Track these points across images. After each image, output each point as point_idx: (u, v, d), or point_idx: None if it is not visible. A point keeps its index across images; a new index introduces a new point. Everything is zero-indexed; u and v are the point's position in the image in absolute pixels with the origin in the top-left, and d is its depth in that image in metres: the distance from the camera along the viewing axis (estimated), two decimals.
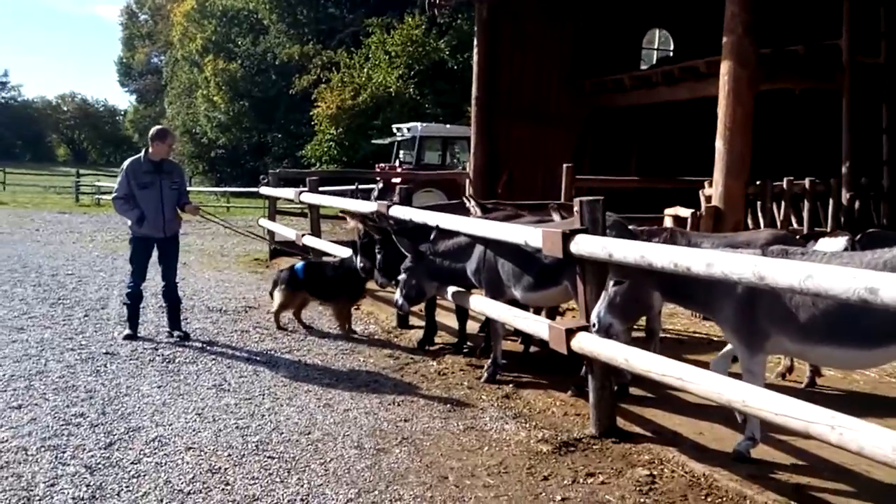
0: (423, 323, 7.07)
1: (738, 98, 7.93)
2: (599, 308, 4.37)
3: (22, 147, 76.54)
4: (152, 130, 6.99)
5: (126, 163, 6.94)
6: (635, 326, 5.68)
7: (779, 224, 8.47)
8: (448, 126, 19.21)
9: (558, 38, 14.28)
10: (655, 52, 16.56)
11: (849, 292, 2.76)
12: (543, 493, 3.87)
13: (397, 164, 19.46)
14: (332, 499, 3.69)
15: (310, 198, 10.08)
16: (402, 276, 6.20)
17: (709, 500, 3.84)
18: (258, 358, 6.29)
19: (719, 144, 8.15)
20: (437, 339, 6.93)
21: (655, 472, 4.16)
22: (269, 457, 4.19)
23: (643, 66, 15.14)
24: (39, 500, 3.54)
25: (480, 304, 5.78)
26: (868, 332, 3.64)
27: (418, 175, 16.38)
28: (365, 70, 30.19)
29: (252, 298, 8.89)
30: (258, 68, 36.75)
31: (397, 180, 16.62)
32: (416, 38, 28.84)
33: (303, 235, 10.10)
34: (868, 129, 9.85)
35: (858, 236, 7.43)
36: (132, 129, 62.76)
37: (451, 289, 6.20)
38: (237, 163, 38.91)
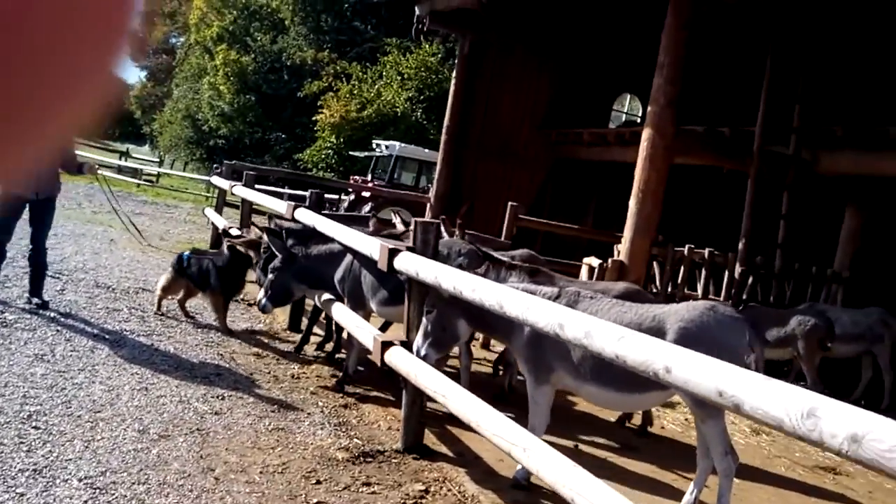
0: (319, 330, 7.25)
1: (654, 164, 8.32)
2: (417, 339, 4.58)
3: None
4: None
5: None
6: None
7: (668, 287, 9.12)
8: (427, 150, 19.59)
9: (534, 84, 14.99)
10: (624, 115, 17.36)
11: (577, 339, 3.01)
12: (302, 496, 3.92)
13: (370, 178, 19.71)
14: (73, 474, 3.70)
15: (242, 191, 10.26)
16: (269, 276, 6.31)
17: None
18: (107, 336, 6.31)
19: (632, 204, 8.58)
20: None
21: (432, 489, 4.26)
22: (34, 426, 4.20)
23: (611, 126, 15.84)
24: None
25: (336, 311, 5.90)
26: (626, 378, 3.85)
27: (389, 192, 16.60)
28: (376, 86, 30.81)
29: (153, 283, 8.94)
30: (271, 66, 37.48)
31: (367, 195, 16.99)
32: (430, 65, 29.54)
33: (229, 228, 10.25)
34: (769, 212, 10.83)
35: (741, 307, 7.90)
36: (136, 105, 63.62)
37: (325, 295, 6.32)
38: (237, 155, 39.38)
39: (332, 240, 6.19)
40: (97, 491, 3.59)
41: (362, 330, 5.26)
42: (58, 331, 6.22)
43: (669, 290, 9.51)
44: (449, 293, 4.12)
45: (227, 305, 7.46)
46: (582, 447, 5.35)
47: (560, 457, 3.33)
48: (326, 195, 17.70)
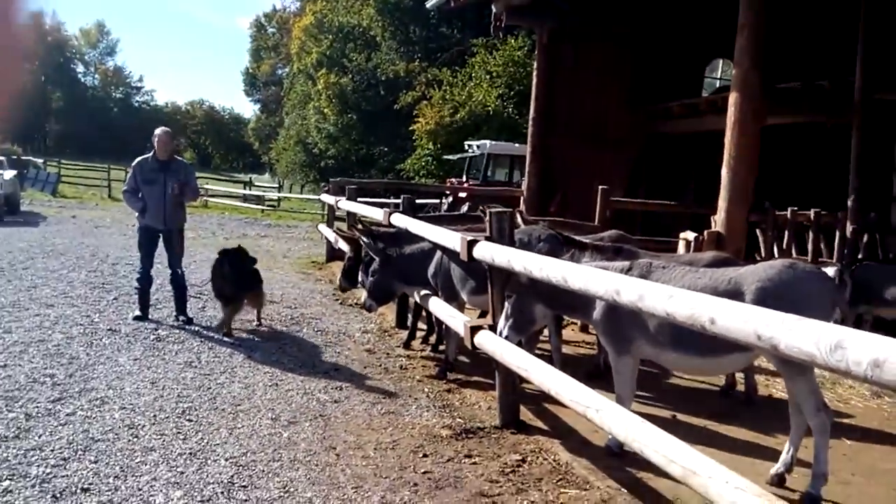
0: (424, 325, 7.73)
1: (743, 129, 8.12)
2: (500, 321, 4.95)
3: (150, 150, 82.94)
4: (156, 131, 7.97)
5: (135, 161, 7.95)
6: None
7: (776, 253, 8.63)
8: (517, 145, 19.71)
9: (618, 63, 14.48)
10: (718, 81, 16.51)
11: (656, 309, 3.12)
12: (411, 467, 4.39)
13: (465, 179, 20.21)
14: (220, 455, 4.35)
15: (345, 205, 10.96)
16: (369, 278, 6.81)
17: (559, 483, 4.26)
18: (243, 344, 7.09)
19: (724, 172, 8.38)
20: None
21: (528, 459, 4.62)
22: (188, 419, 4.91)
23: (705, 94, 15.18)
24: None
25: (432, 304, 6.35)
26: (703, 343, 3.96)
27: (483, 190, 17.02)
28: (466, 88, 31.23)
29: (279, 295, 9.77)
30: (368, 83, 38.69)
31: (463, 195, 17.48)
32: (517, 59, 29.57)
33: (337, 239, 10.99)
34: (879, 165, 10.06)
35: (853, 266, 7.55)
36: (253, 136, 67.12)
37: (422, 291, 6.78)
38: (345, 173, 40.98)
39: (422, 239, 6.64)
40: (240, 467, 4.19)
41: (454, 319, 5.69)
42: (202, 341, 7.05)
43: (777, 256, 9.18)
44: (522, 274, 4.46)
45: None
46: (680, 416, 5.51)
47: (629, 414, 3.63)
48: (428, 200, 18.42)
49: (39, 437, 4.43)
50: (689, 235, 8.58)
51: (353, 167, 39.82)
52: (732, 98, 8.19)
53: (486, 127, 29.19)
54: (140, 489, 3.83)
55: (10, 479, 3.83)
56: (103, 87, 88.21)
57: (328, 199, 13.63)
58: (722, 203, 8.30)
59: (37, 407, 4.94)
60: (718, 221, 8.34)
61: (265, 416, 5.11)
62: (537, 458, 4.66)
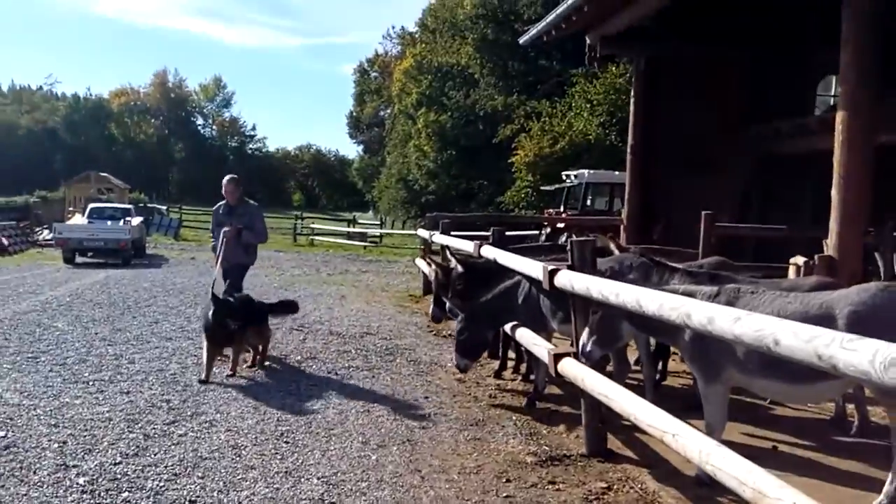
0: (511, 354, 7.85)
1: (852, 147, 7.85)
2: (583, 336, 5.02)
3: (263, 193, 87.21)
4: (224, 180, 8.51)
5: (215, 206, 8.59)
6: None
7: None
8: (616, 173, 19.51)
9: (722, 85, 14.04)
10: (832, 98, 15.73)
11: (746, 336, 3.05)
12: (493, 491, 4.53)
13: (563, 209, 20.22)
14: (313, 474, 4.64)
15: (439, 238, 11.30)
16: (458, 336, 6.81)
17: None
18: (339, 372, 7.47)
19: (834, 193, 8.09)
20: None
21: (614, 487, 4.66)
22: (285, 441, 5.26)
23: (817, 113, 14.55)
24: (99, 452, 4.90)
25: (519, 334, 6.49)
26: (793, 370, 3.92)
27: (582, 220, 17.02)
28: (566, 119, 31.33)
29: (375, 327, 10.17)
30: (466, 119, 39.50)
31: (561, 225, 17.53)
32: (619, 87, 29.43)
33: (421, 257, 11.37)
34: None
35: None
36: (358, 177, 69.43)
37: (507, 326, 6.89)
38: (445, 208, 41.80)
39: (507, 276, 6.78)
40: (331, 486, 4.47)
41: (538, 347, 5.82)
42: (301, 370, 7.47)
43: None
44: (598, 300, 4.55)
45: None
46: (783, 447, 5.40)
47: (704, 437, 3.66)
48: (526, 231, 18.55)
49: (155, 454, 4.87)
50: (799, 260, 8.30)
51: (453, 202, 40.49)
52: (840, 116, 7.94)
53: (586, 156, 29.11)
54: (241, 503, 4.16)
55: (128, 491, 4.25)
56: (220, 136, 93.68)
57: (424, 233, 14.04)
58: (833, 225, 7.98)
59: (154, 428, 5.42)
60: (830, 245, 8.07)
61: (356, 439, 5.39)
62: (623, 486, 4.69)
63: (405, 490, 4.48)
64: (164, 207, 41.30)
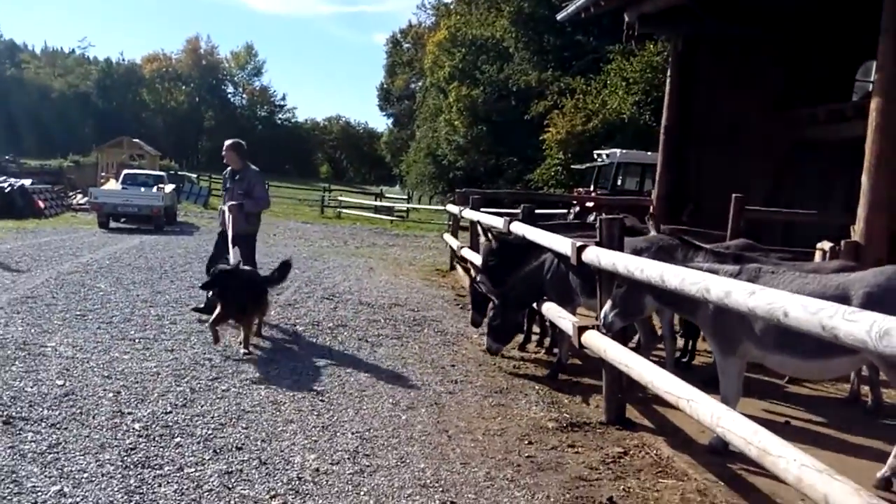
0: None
1: (885, 134, 7.98)
2: (605, 307, 5.33)
3: (291, 164, 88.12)
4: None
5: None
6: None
7: None
8: (649, 153, 19.61)
9: (759, 68, 14.02)
10: (871, 84, 15.62)
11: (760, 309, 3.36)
12: (516, 451, 4.89)
13: (593, 188, 20.38)
14: (347, 430, 5.04)
15: (469, 214, 11.60)
16: (489, 319, 7.15)
17: (657, 474, 4.64)
18: (369, 339, 7.87)
19: (864, 180, 8.25)
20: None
21: (630, 452, 5.01)
22: (320, 399, 5.67)
23: (855, 98, 14.51)
24: (150, 402, 5.34)
25: (545, 307, 6.82)
26: (809, 345, 4.21)
27: (612, 200, 17.20)
28: (600, 96, 31.28)
29: (403, 299, 10.56)
30: (499, 94, 39.53)
31: (591, 205, 17.73)
32: (656, 65, 29.28)
33: (461, 248, 11.69)
34: None
35: None
36: (386, 150, 69.84)
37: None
38: (473, 184, 41.98)
39: (536, 253, 7.08)
40: (364, 441, 4.87)
41: (563, 320, 6.14)
42: (333, 337, 7.88)
43: None
44: (624, 275, 4.86)
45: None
46: (796, 422, 5.68)
47: (717, 403, 3.96)
48: (556, 210, 18.79)
49: (202, 406, 5.31)
50: (826, 246, 8.49)
51: (482, 178, 40.68)
52: (874, 103, 8.07)
53: (619, 135, 29.10)
54: (282, 451, 4.57)
55: (180, 437, 4.68)
56: (250, 106, 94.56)
57: (453, 209, 14.34)
58: (861, 212, 8.15)
59: (199, 383, 5.86)
60: (857, 231, 8.24)
61: (386, 401, 5.78)
62: (639, 451, 5.03)
63: (433, 447, 4.86)
64: (195, 176, 42.00)
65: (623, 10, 13.51)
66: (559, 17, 15.63)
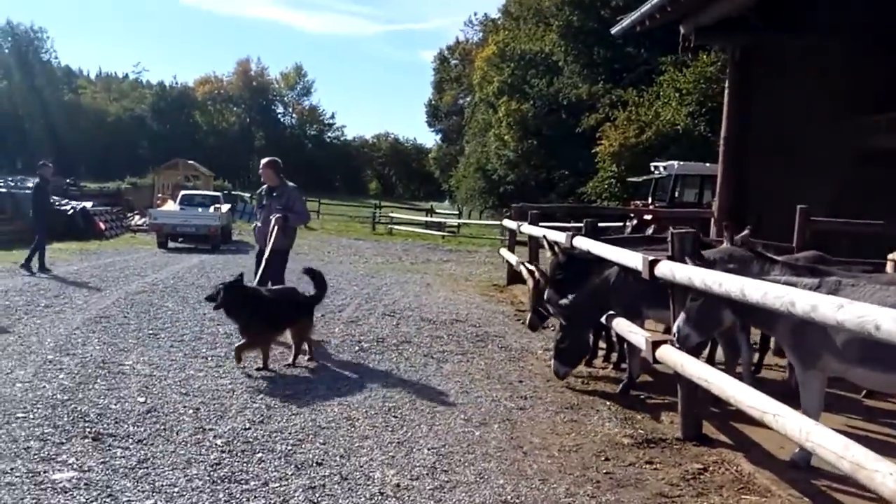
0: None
1: None
2: (678, 321, 5.31)
3: (340, 181, 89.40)
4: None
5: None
6: None
7: None
8: (707, 164, 19.37)
9: (821, 77, 13.74)
10: None
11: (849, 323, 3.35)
12: (593, 468, 4.90)
13: (650, 201, 20.21)
14: (423, 446, 5.11)
15: (528, 229, 11.65)
16: (558, 341, 6.98)
17: (740, 490, 4.60)
18: (435, 356, 7.95)
19: None
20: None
21: (710, 469, 4.97)
22: (393, 416, 5.75)
23: None
24: (229, 418, 5.51)
25: (614, 323, 6.80)
26: (892, 359, 4.16)
27: (670, 213, 17.05)
28: (653, 108, 31.09)
29: (464, 314, 10.62)
30: (549, 108, 39.55)
31: (649, 217, 17.59)
32: (709, 75, 29.01)
33: (520, 263, 11.72)
34: None
35: None
36: (435, 166, 70.32)
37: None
38: (524, 198, 41.90)
39: (601, 267, 7.06)
40: (441, 456, 4.93)
41: (635, 335, 6.13)
42: (398, 353, 7.99)
43: None
44: (701, 290, 4.83)
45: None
46: (877, 436, 5.55)
47: (804, 417, 3.93)
48: (611, 223, 18.67)
49: (278, 423, 5.44)
50: (894, 256, 8.35)
51: (533, 192, 40.58)
52: None
53: (674, 147, 28.84)
54: (361, 466, 4.67)
55: (261, 453, 4.81)
56: (299, 125, 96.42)
57: (510, 224, 14.40)
58: None
59: (273, 400, 6.01)
60: None
61: (458, 417, 5.83)
62: (719, 468, 4.98)
63: (510, 463, 4.89)
64: (248, 195, 42.87)
65: (678, 23, 13.48)
66: (613, 31, 15.61)
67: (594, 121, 33.95)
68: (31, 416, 5.28)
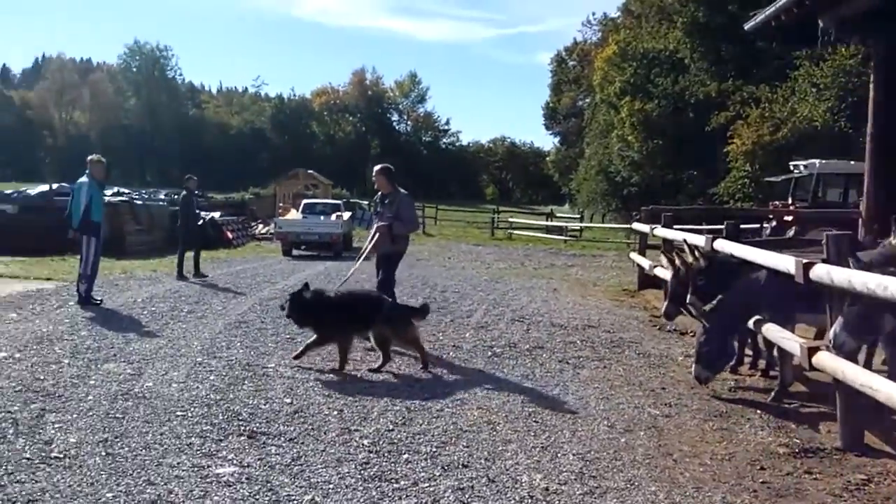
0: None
1: None
2: (835, 326, 5.13)
3: (456, 187, 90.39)
4: None
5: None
6: None
7: None
8: (852, 163, 18.32)
9: None
10: None
11: None
12: (748, 477, 4.80)
13: (790, 201, 19.36)
14: (568, 451, 5.15)
15: (662, 232, 11.45)
16: (699, 347, 6.82)
17: None
18: (570, 361, 7.97)
19: None
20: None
21: (874, 479, 4.78)
22: (534, 421, 5.82)
23: None
24: (372, 419, 5.74)
25: (764, 328, 6.60)
26: None
27: (812, 213, 16.32)
28: (788, 104, 29.90)
29: (596, 320, 10.57)
30: (675, 107, 38.68)
31: (789, 218, 16.87)
32: (849, 69, 27.61)
33: (654, 267, 11.54)
34: None
35: None
36: (553, 169, 70.01)
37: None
38: (650, 200, 41.05)
39: (745, 273, 6.87)
40: (587, 462, 4.97)
41: (788, 341, 5.94)
42: (532, 359, 8.08)
43: None
44: (861, 293, 4.64)
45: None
46: None
47: None
48: (746, 225, 18.03)
49: (420, 425, 5.62)
50: None
51: (658, 193, 39.68)
52: None
53: (812, 145, 27.57)
54: (507, 469, 4.76)
55: (407, 454, 4.99)
56: (414, 132, 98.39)
57: (641, 227, 14.19)
58: None
59: (413, 403, 6.20)
60: None
61: (601, 423, 5.84)
62: (884, 479, 4.79)
63: (660, 470, 4.87)
64: (366, 202, 44.10)
65: (816, 16, 12.98)
66: (746, 27, 15.12)
67: (724, 119, 32.99)
68: (190, 415, 5.67)
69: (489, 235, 34.10)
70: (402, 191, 9.14)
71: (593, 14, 66.58)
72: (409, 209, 9.06)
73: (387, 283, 8.73)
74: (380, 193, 9.12)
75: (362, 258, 8.97)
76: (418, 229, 9.84)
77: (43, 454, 4.71)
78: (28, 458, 4.62)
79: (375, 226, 8.92)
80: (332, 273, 16.07)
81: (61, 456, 4.69)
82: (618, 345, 8.93)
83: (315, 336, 7.52)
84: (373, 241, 8.87)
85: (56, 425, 5.29)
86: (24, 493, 4.12)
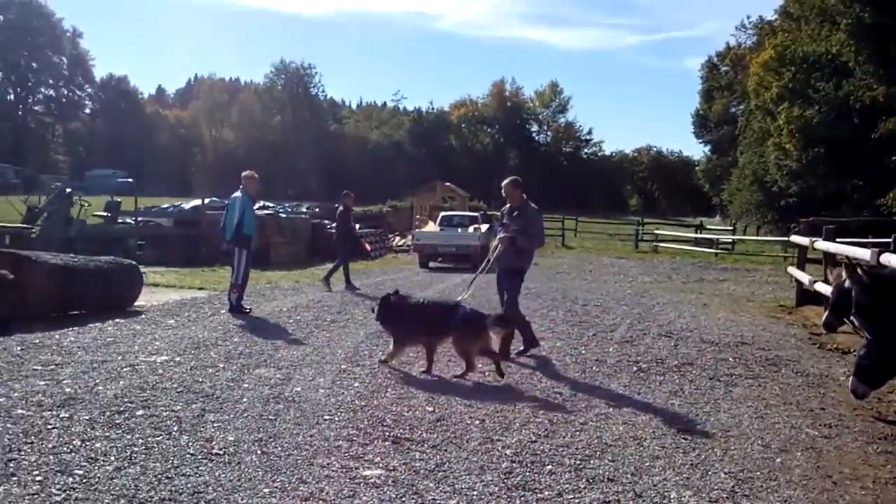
0: None
1: None
2: None
3: (598, 198, 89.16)
4: None
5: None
6: None
7: None
8: None
9: None
10: None
11: None
12: None
13: None
14: (719, 469, 5.10)
15: (823, 245, 10.97)
16: (859, 361, 6.49)
17: None
18: (721, 378, 7.84)
19: None
20: None
21: None
22: (683, 438, 5.79)
23: None
24: (514, 430, 5.88)
25: None
26: None
27: None
28: None
29: (749, 337, 10.25)
30: (837, 113, 36.77)
31: None
32: None
33: (814, 282, 11.06)
34: None
35: None
36: (703, 178, 67.76)
37: None
38: (810, 211, 39.00)
39: None
40: (739, 481, 4.89)
41: None
42: (681, 375, 8.00)
43: None
44: None
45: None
46: None
47: None
48: None
49: (563, 437, 5.71)
50: None
51: (819, 204, 37.73)
52: None
53: None
54: (654, 485, 4.77)
55: (551, 465, 5.10)
56: (554, 142, 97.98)
57: (800, 239, 13.62)
58: None
59: (556, 416, 6.30)
60: None
61: (755, 442, 5.72)
62: None
63: (818, 492, 4.74)
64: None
65: None
66: None
67: (892, 125, 31.03)
68: (337, 419, 6.02)
69: (633, 248, 33.55)
70: (532, 205, 9.22)
71: (748, 17, 63.64)
72: (535, 224, 9.08)
73: (512, 305, 8.83)
74: (508, 206, 9.21)
75: (484, 270, 9.13)
76: (543, 245, 9.83)
77: (205, 451, 5.14)
78: (192, 454, 5.06)
79: (498, 237, 9.01)
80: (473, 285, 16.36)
81: (221, 453, 5.11)
82: (773, 363, 8.66)
83: (393, 339, 8.11)
84: (495, 254, 8.98)
85: (215, 424, 5.75)
86: (189, 485, 4.52)
